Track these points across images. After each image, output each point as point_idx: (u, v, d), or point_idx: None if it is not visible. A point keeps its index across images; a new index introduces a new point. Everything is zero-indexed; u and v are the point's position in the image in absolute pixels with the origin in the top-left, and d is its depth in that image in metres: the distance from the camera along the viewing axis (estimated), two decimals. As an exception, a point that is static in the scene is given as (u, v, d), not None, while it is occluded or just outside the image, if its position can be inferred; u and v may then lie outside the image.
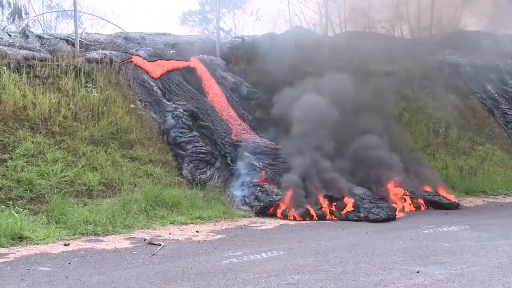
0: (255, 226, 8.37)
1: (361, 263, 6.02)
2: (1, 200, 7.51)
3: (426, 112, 14.11)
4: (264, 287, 5.16)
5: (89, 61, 10.31)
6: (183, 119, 10.26)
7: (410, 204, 10.14)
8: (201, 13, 18.86)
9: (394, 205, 9.53)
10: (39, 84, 9.34)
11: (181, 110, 10.37)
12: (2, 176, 7.79)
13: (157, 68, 10.88)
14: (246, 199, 9.51)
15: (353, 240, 7.36)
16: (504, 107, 15.33)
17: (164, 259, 6.21)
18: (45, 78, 9.59)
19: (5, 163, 8.00)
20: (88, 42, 11.23)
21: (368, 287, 5.19)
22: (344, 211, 9.13)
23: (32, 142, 8.43)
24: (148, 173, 9.20)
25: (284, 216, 9.01)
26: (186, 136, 10.11)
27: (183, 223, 8.21)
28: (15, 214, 7.04)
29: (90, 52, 10.63)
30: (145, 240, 7.10)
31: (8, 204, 7.44)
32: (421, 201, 10.35)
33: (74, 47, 10.74)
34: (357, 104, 10.69)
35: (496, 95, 15.52)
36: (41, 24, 14.97)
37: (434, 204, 10.45)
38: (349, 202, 9.23)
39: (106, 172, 8.73)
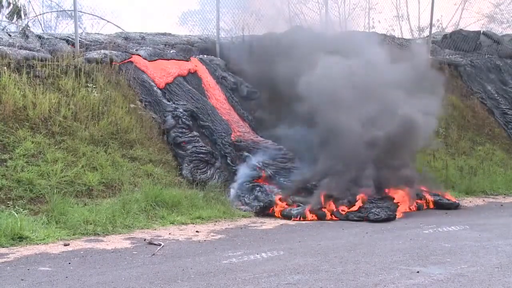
0: (255, 226, 8.38)
1: (361, 263, 6.02)
2: (1, 200, 7.51)
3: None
4: (264, 287, 5.16)
5: (89, 61, 10.31)
6: (183, 119, 10.26)
7: (410, 206, 10.10)
8: (201, 13, 18.85)
9: (400, 206, 9.47)
10: (39, 84, 9.34)
11: (181, 110, 10.37)
12: (2, 176, 7.79)
13: (161, 79, 10.81)
14: (246, 199, 9.52)
15: (353, 240, 7.36)
16: (504, 107, 15.31)
17: (164, 259, 6.21)
18: (45, 78, 9.59)
19: (5, 163, 8.00)
20: (88, 42, 11.23)
21: (368, 287, 5.19)
22: (346, 211, 9.13)
23: (32, 142, 8.43)
24: (148, 173, 9.21)
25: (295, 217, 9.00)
26: (186, 136, 10.11)
27: (183, 223, 8.21)
28: (15, 214, 7.04)
29: (90, 52, 10.63)
30: (145, 240, 7.11)
31: (8, 204, 7.44)
32: (423, 202, 10.33)
33: (74, 47, 10.73)
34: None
35: (496, 95, 15.51)
36: (41, 24, 15.00)
37: (434, 204, 10.44)
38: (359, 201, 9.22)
39: (106, 172, 8.73)
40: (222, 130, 10.60)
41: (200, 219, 8.46)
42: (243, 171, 10.06)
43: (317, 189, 9.43)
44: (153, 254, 6.41)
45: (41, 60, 9.84)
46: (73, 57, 10.29)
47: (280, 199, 9.32)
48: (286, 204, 9.26)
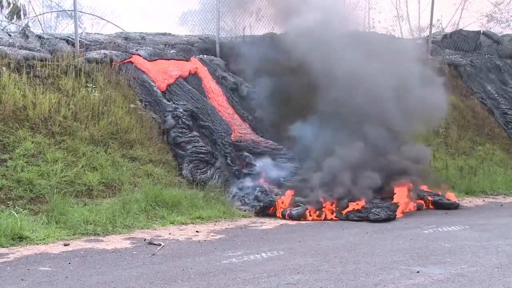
0: (255, 226, 8.38)
1: (361, 263, 6.02)
2: (1, 200, 7.51)
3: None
4: (264, 287, 5.16)
5: (89, 61, 10.31)
6: (183, 119, 10.26)
7: (413, 206, 10.11)
8: (201, 13, 18.87)
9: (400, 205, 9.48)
10: (39, 84, 9.34)
11: (181, 110, 10.37)
12: (2, 176, 7.79)
13: (163, 83, 10.77)
14: (246, 199, 9.52)
15: (353, 240, 7.36)
16: (504, 107, 15.31)
17: (164, 259, 6.22)
18: (45, 78, 9.59)
19: (5, 163, 8.00)
20: (88, 42, 11.22)
21: (368, 287, 5.19)
22: (345, 211, 9.13)
23: (32, 142, 8.43)
24: (148, 173, 9.21)
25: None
26: (186, 136, 10.11)
27: (183, 223, 8.21)
28: (15, 214, 7.05)
29: (90, 52, 10.63)
30: (145, 240, 7.11)
31: (8, 204, 7.44)
32: (422, 201, 10.32)
33: (74, 47, 10.73)
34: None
35: (496, 95, 15.51)
36: (41, 24, 14.98)
37: (434, 204, 10.44)
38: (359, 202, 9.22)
39: (106, 172, 8.73)
40: (222, 130, 10.60)
41: (200, 219, 8.46)
42: (243, 171, 10.08)
43: (317, 189, 9.43)
44: (153, 254, 6.41)
45: (41, 60, 9.84)
46: (73, 57, 10.29)
47: (281, 200, 9.32)
48: (294, 205, 9.24)
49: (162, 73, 10.89)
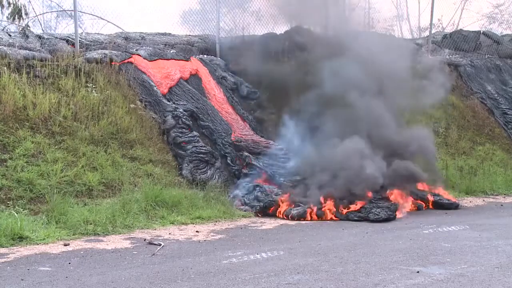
0: (255, 226, 8.38)
1: (361, 263, 6.03)
2: (1, 200, 7.51)
3: (426, 112, 14.08)
4: (264, 287, 5.17)
5: (89, 61, 10.30)
6: (183, 119, 10.26)
7: (413, 206, 10.10)
8: (201, 13, 18.87)
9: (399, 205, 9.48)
10: (39, 84, 9.34)
11: (181, 110, 10.37)
12: (2, 176, 7.80)
13: (166, 88, 10.75)
14: (246, 199, 9.52)
15: (353, 240, 7.37)
16: (504, 107, 15.30)
17: (164, 259, 6.22)
18: (45, 78, 9.59)
19: (5, 163, 8.00)
20: (88, 42, 11.22)
21: (368, 287, 5.19)
22: (345, 211, 9.12)
23: (32, 142, 8.44)
24: (148, 173, 9.21)
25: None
26: (186, 136, 10.12)
27: (183, 223, 8.22)
28: (15, 214, 7.05)
29: (90, 52, 10.63)
30: (145, 240, 7.11)
31: (8, 204, 7.44)
32: (422, 202, 10.32)
33: (74, 47, 10.74)
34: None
35: (496, 95, 15.51)
36: (41, 24, 14.97)
37: (434, 204, 10.43)
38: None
39: (106, 172, 8.73)
40: (222, 130, 10.60)
41: (200, 219, 8.47)
42: (243, 171, 10.08)
43: (317, 188, 9.42)
44: (153, 254, 6.41)
45: (41, 60, 9.84)
46: (73, 57, 10.29)
47: (281, 200, 9.31)
48: (294, 205, 9.23)
49: (165, 78, 10.84)
